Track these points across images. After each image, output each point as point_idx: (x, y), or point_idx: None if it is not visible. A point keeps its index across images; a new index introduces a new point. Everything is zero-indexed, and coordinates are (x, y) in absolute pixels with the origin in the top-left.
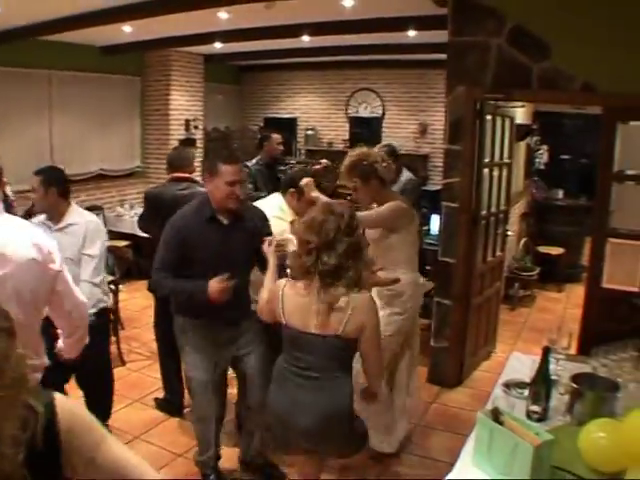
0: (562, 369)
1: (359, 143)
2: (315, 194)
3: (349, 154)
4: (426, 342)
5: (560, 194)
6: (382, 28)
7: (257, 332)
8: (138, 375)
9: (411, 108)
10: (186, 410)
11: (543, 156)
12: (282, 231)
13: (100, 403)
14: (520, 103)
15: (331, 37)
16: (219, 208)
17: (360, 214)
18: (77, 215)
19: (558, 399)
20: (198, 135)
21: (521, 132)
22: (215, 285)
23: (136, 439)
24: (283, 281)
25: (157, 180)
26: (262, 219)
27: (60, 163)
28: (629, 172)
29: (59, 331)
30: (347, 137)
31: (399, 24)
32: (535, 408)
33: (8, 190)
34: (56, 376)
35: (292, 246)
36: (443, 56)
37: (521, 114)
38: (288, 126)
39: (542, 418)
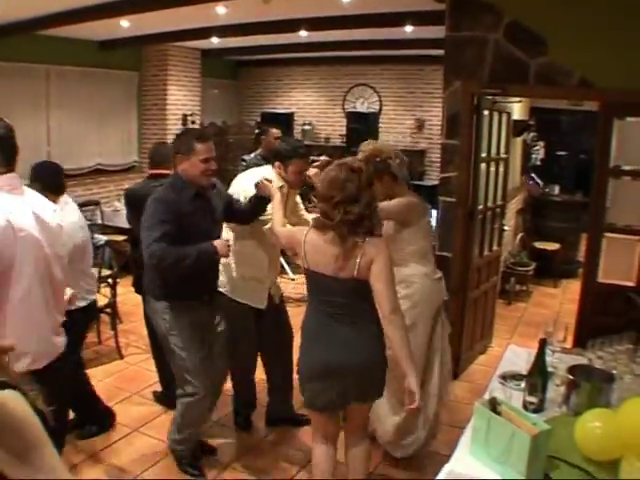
0: (558, 361)
1: (369, 140)
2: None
3: (362, 150)
4: None
5: (556, 190)
6: (379, 23)
7: (223, 308)
8: (136, 369)
9: (408, 103)
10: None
11: (539, 152)
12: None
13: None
14: (517, 98)
15: (328, 32)
16: (194, 185)
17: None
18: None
19: (554, 390)
20: None
21: (518, 128)
22: (220, 242)
23: (135, 432)
24: (306, 229)
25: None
26: (218, 184)
27: (57, 158)
28: (625, 167)
29: None
30: (344, 132)
31: (396, 19)
32: (532, 399)
33: None
34: None
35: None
36: (440, 52)
37: (518, 110)
38: (285, 121)
39: (538, 409)
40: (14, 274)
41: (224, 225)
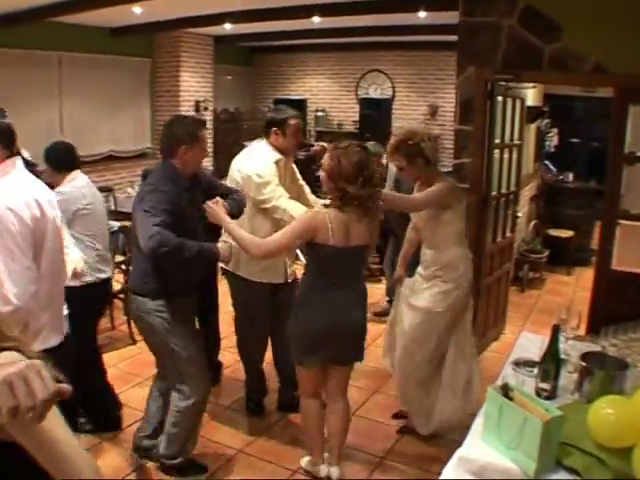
0: (571, 348)
1: (381, 139)
2: None
3: (395, 133)
4: None
5: (570, 177)
6: (393, 9)
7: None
8: (149, 354)
9: (421, 90)
10: None
11: (553, 139)
12: (270, 181)
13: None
14: (531, 84)
15: (342, 18)
16: (186, 176)
17: (412, 197)
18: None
19: (567, 377)
20: (208, 116)
21: (532, 114)
22: (224, 246)
23: None
24: (324, 210)
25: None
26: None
27: None
28: None
29: None
30: (357, 118)
31: (409, 5)
32: (544, 386)
33: (26, 155)
34: None
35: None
36: (453, 38)
37: (532, 96)
38: (298, 107)
39: (551, 396)
40: (44, 248)
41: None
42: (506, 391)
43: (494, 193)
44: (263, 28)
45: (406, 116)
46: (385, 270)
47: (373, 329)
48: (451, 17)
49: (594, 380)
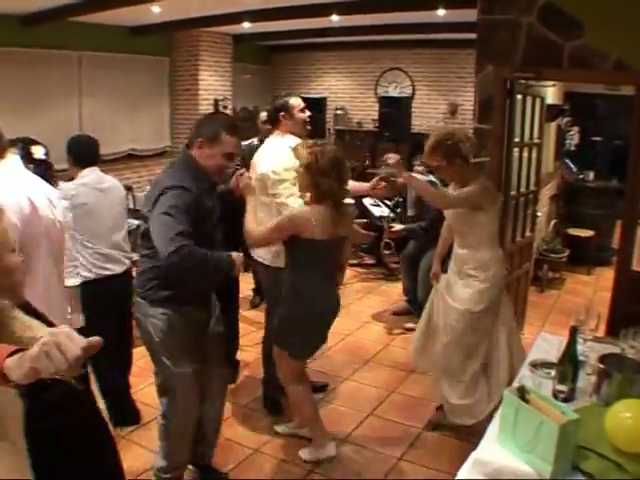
0: (589, 350)
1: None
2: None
3: (434, 133)
4: None
5: (591, 176)
6: (411, 7)
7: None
8: None
9: (441, 88)
10: None
11: (574, 137)
12: (291, 167)
13: None
14: (550, 82)
15: (360, 16)
16: (209, 176)
17: (452, 195)
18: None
19: (585, 380)
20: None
21: (552, 113)
22: (238, 257)
23: None
24: (307, 208)
25: None
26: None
27: None
28: None
29: None
30: (376, 117)
31: (428, 3)
32: (562, 388)
33: (40, 154)
34: None
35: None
36: (473, 35)
37: (552, 94)
38: (317, 106)
39: (568, 398)
40: (39, 247)
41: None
42: (522, 393)
43: (513, 192)
44: (282, 27)
45: (425, 114)
46: (402, 268)
47: (390, 330)
48: (471, 15)
49: (612, 383)
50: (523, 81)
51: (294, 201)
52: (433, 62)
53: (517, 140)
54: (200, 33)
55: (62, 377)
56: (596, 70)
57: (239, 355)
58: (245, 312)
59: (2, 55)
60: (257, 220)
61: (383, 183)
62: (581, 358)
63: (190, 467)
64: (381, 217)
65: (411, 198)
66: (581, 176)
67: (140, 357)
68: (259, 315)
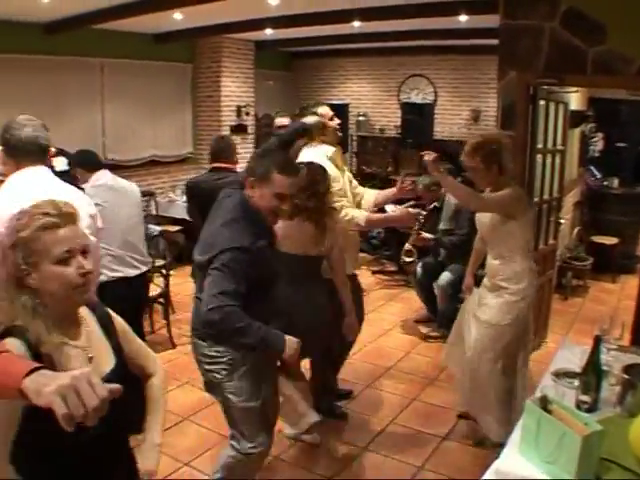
0: (614, 359)
1: None
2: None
3: (480, 134)
4: None
5: (615, 183)
6: (433, 13)
7: None
8: (188, 358)
9: (463, 94)
10: None
11: (598, 144)
12: (335, 176)
13: None
14: (574, 88)
15: (382, 22)
16: (265, 219)
17: (483, 196)
18: None
19: (609, 390)
20: (249, 121)
21: (575, 119)
22: (292, 343)
23: (185, 420)
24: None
25: (208, 166)
26: None
27: (112, 149)
28: None
29: None
30: (399, 123)
31: (450, 9)
32: (585, 398)
33: (62, 165)
34: None
35: None
36: (495, 41)
37: (575, 100)
38: (340, 112)
39: (592, 409)
40: None
41: None
42: (545, 403)
43: (536, 199)
44: (304, 33)
45: (448, 121)
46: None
47: (412, 338)
48: (493, 20)
49: (637, 393)
50: (546, 87)
51: (349, 210)
52: (455, 68)
53: (540, 146)
54: (222, 39)
55: (79, 422)
56: (620, 75)
57: None
58: None
59: (25, 62)
60: None
61: (409, 181)
62: (605, 368)
63: None
64: None
65: (448, 211)
66: (605, 183)
67: (162, 363)
68: None
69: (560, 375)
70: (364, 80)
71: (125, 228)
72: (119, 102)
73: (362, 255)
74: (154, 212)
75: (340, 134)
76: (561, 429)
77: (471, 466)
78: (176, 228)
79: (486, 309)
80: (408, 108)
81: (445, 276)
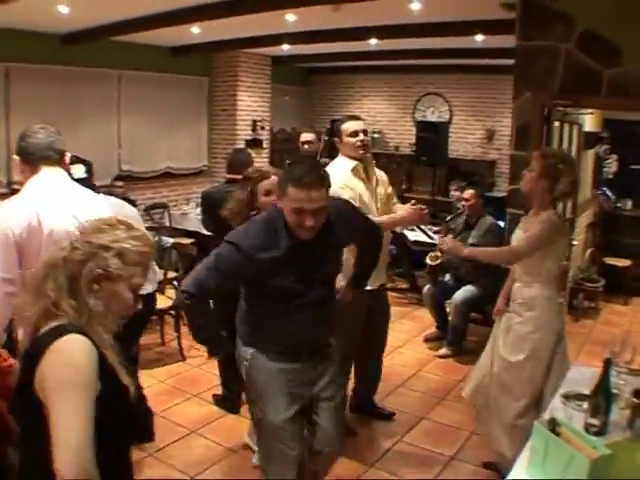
0: (624, 383)
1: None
2: None
3: (557, 148)
4: None
5: (629, 204)
6: (449, 32)
7: (337, 373)
8: (197, 371)
9: (479, 113)
10: (242, 407)
11: (612, 165)
12: (350, 185)
13: None
14: (589, 110)
15: (398, 40)
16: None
17: (519, 246)
18: None
19: (618, 413)
20: (264, 136)
21: (590, 140)
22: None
23: (193, 433)
24: None
25: (223, 179)
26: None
27: (128, 161)
28: None
29: None
30: (414, 141)
31: (466, 28)
32: (594, 421)
33: (80, 173)
34: None
35: None
36: (511, 61)
37: (590, 121)
38: None
39: (601, 432)
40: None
41: None
42: (553, 426)
43: None
44: (321, 49)
45: (462, 140)
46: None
47: (422, 356)
48: (509, 40)
49: None
50: (561, 108)
51: None
52: (471, 87)
53: None
54: (239, 54)
55: None
56: (636, 98)
57: None
58: None
59: (43, 72)
60: None
61: (423, 208)
62: (614, 391)
63: None
64: (416, 241)
65: (482, 229)
66: (619, 204)
67: (169, 376)
68: None
69: (569, 397)
70: (379, 97)
71: None
72: (135, 114)
73: None
74: (167, 224)
75: (362, 151)
76: (569, 452)
77: None
78: (189, 241)
79: (505, 341)
80: (423, 126)
81: (460, 294)
